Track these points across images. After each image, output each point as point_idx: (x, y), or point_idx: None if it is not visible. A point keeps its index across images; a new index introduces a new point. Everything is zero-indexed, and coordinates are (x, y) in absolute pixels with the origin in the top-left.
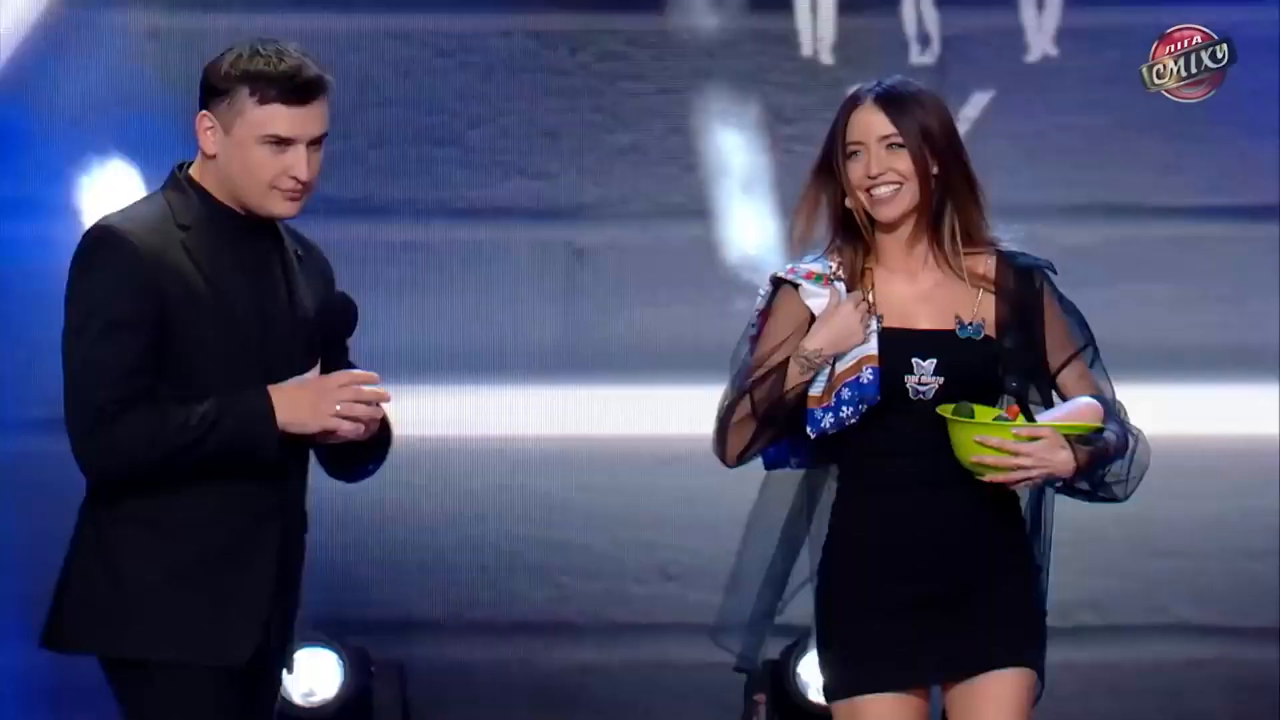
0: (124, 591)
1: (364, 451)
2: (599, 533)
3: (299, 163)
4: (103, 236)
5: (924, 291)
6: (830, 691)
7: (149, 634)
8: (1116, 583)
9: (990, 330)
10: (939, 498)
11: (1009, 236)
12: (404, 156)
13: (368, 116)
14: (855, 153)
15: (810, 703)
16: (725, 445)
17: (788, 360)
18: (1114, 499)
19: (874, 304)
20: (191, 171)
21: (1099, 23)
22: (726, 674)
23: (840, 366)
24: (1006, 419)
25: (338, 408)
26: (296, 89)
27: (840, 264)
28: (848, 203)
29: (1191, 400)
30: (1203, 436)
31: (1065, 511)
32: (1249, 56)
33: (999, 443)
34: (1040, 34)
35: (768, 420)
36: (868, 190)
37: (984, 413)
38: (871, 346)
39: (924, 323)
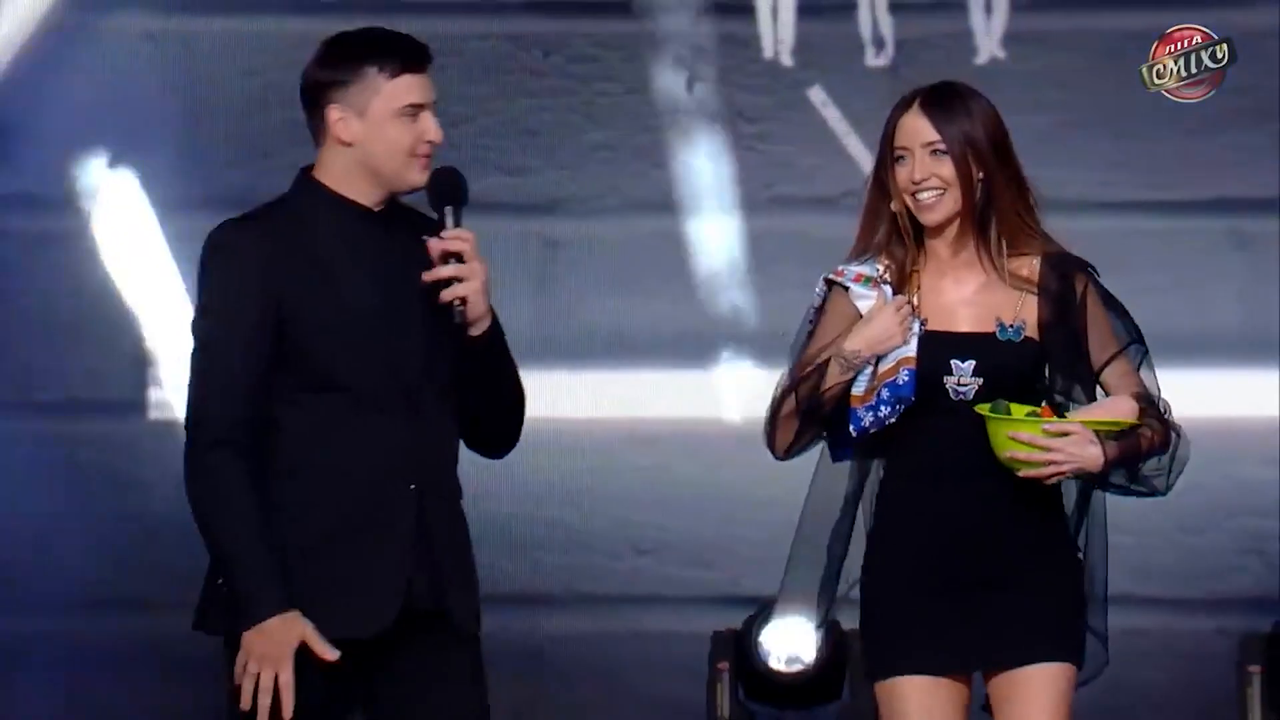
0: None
1: (498, 421)
2: (573, 510)
3: (431, 126)
4: (220, 239)
5: (968, 294)
6: (871, 672)
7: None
8: None
9: (1032, 331)
10: (978, 492)
11: (1050, 237)
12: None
13: None
14: (901, 157)
15: (771, 670)
16: (774, 438)
17: (829, 359)
18: (1153, 493)
19: (918, 306)
20: (314, 173)
21: (1044, 27)
22: (693, 643)
23: (882, 367)
24: (1039, 416)
25: None
26: (417, 55)
27: (888, 266)
28: (893, 206)
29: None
30: None
31: None
32: None
33: (1029, 438)
34: (988, 38)
35: (809, 416)
36: (912, 195)
37: (1020, 411)
38: (911, 349)
39: (964, 325)
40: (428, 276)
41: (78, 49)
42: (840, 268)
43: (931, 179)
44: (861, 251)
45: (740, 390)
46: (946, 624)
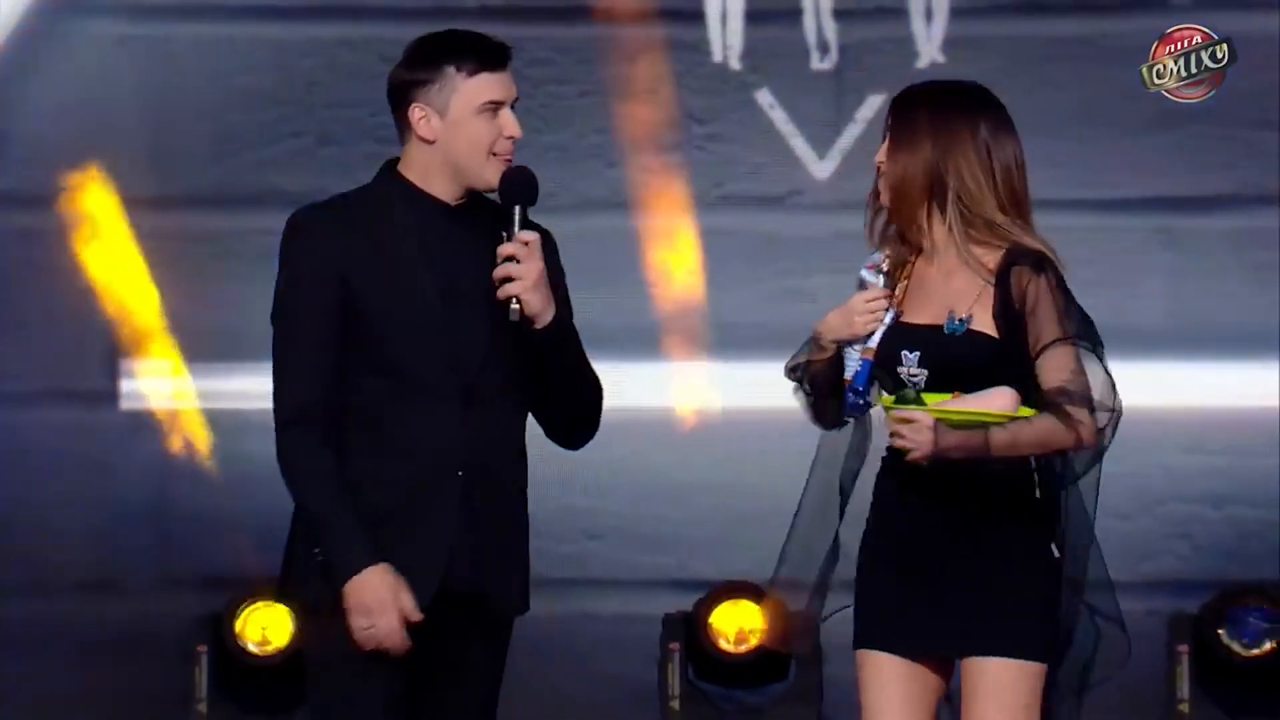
0: (304, 546)
1: (572, 412)
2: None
3: (510, 123)
4: (294, 224)
5: (944, 286)
6: (853, 640)
7: (317, 585)
8: None
9: (984, 324)
10: (941, 482)
11: (1029, 231)
12: (351, 153)
13: (317, 117)
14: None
15: (721, 650)
16: (811, 412)
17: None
18: (1068, 480)
19: (899, 297)
20: (399, 167)
21: (982, 33)
22: (644, 625)
23: (862, 355)
24: (934, 405)
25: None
26: (496, 53)
27: (888, 256)
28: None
29: None
30: None
31: None
32: (1123, 60)
33: (886, 422)
34: (929, 43)
35: (812, 388)
36: (875, 180)
37: (933, 399)
38: (873, 340)
39: (923, 317)
40: (502, 250)
41: (51, 54)
42: (869, 258)
43: (880, 165)
44: (874, 239)
45: (689, 381)
46: (913, 608)
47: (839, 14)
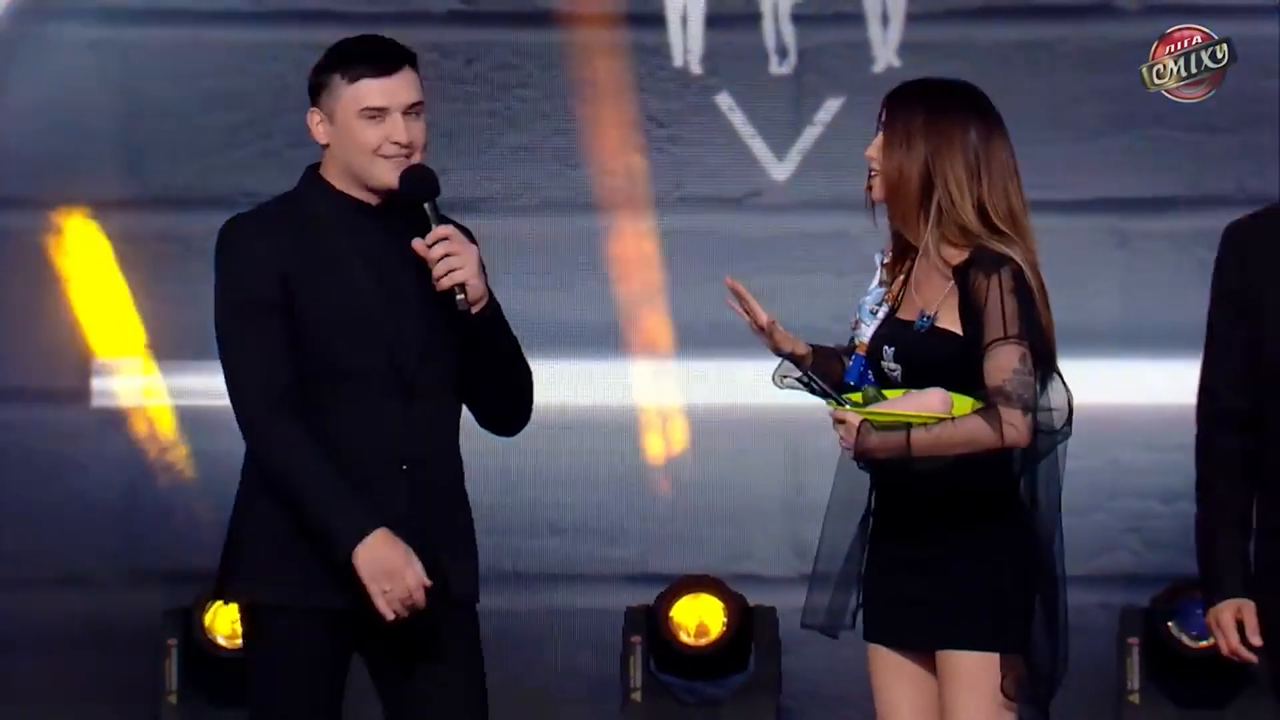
0: (262, 547)
1: (508, 400)
2: (487, 493)
3: (396, 128)
4: (228, 229)
5: (923, 283)
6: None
7: (254, 579)
8: None
9: (949, 321)
10: (914, 476)
11: (998, 237)
12: (319, 155)
13: (286, 120)
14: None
15: (681, 643)
16: None
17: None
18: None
19: (895, 292)
20: (320, 170)
21: (937, 38)
22: (606, 618)
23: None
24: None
25: None
26: (379, 59)
27: (885, 250)
28: None
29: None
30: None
31: None
32: (1076, 65)
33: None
34: (885, 47)
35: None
36: (868, 175)
37: (895, 394)
38: (865, 335)
39: (906, 313)
40: (417, 247)
41: (22, 58)
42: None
43: (872, 161)
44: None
45: (649, 378)
46: (894, 601)
47: (797, 19)
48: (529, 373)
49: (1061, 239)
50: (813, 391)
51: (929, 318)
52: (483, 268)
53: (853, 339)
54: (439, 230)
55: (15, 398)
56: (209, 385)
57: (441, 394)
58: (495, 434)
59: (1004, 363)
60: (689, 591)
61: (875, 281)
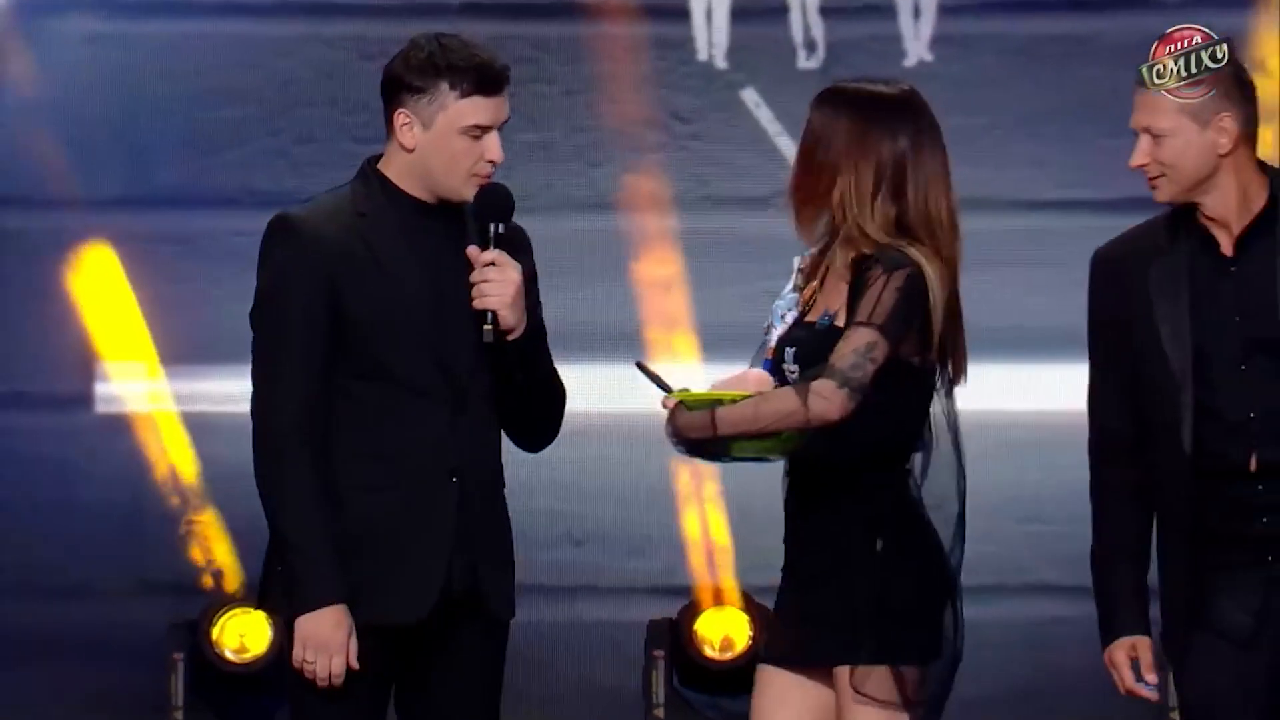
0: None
1: (536, 418)
2: (509, 502)
3: (493, 147)
4: (277, 224)
5: (829, 284)
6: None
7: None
8: (988, 548)
9: (843, 319)
10: (793, 482)
11: (892, 239)
12: (328, 152)
13: (293, 115)
14: None
15: (705, 658)
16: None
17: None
18: (758, 458)
19: (808, 295)
20: (380, 165)
21: (970, 31)
22: (629, 632)
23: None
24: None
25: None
26: (493, 79)
27: (806, 256)
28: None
29: (1053, 378)
30: (1064, 411)
31: None
32: (1111, 59)
33: None
34: (916, 41)
35: None
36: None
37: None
38: (771, 339)
39: (812, 315)
40: (471, 254)
41: (19, 52)
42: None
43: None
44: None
45: (671, 384)
46: (781, 616)
47: (826, 11)
48: (562, 396)
49: (1096, 239)
50: (657, 384)
51: (829, 316)
52: (528, 290)
53: (764, 344)
54: (487, 254)
55: (16, 403)
56: (215, 390)
57: (488, 404)
58: (522, 449)
59: (848, 345)
60: (713, 604)
61: (790, 286)
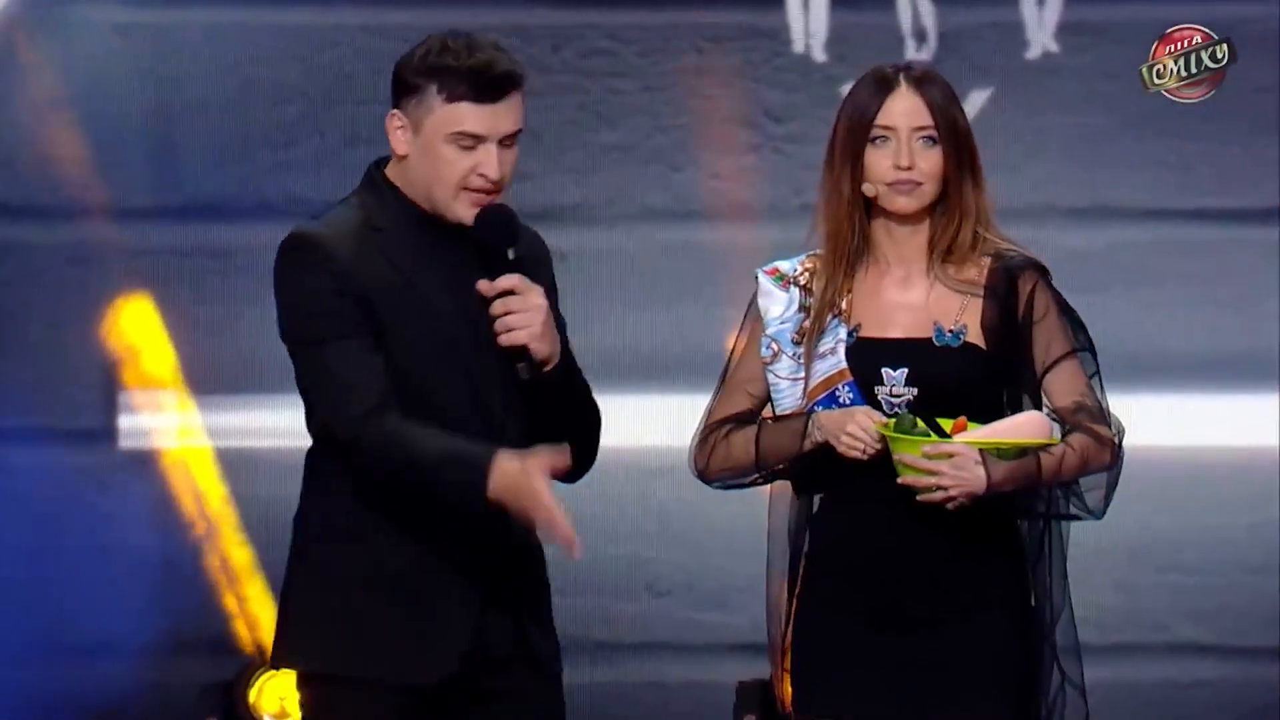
0: (319, 605)
1: (579, 445)
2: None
3: (488, 160)
4: (295, 244)
5: (908, 297)
6: (798, 707)
7: (333, 649)
8: (1119, 599)
9: (975, 337)
10: (911, 517)
11: (1009, 240)
12: (380, 154)
13: (344, 114)
14: (884, 139)
15: None
16: (707, 461)
17: (806, 417)
18: (1087, 514)
19: (846, 311)
20: (387, 171)
21: (1102, 18)
22: (715, 693)
23: (812, 383)
24: (944, 432)
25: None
26: (487, 85)
27: (808, 269)
28: (866, 190)
29: (1192, 409)
30: (1202, 447)
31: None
32: (1253, 53)
33: (911, 460)
34: (1041, 29)
35: (762, 466)
36: (891, 182)
37: (946, 424)
38: (841, 359)
39: (898, 330)
40: (482, 288)
41: (43, 44)
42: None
43: (915, 169)
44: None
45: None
46: (881, 666)
47: None
48: (598, 421)
49: (1229, 252)
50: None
51: (956, 333)
52: (552, 301)
53: (769, 371)
54: (502, 281)
55: (30, 438)
56: (252, 423)
57: (523, 437)
58: (557, 480)
59: (1075, 378)
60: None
61: (785, 306)
